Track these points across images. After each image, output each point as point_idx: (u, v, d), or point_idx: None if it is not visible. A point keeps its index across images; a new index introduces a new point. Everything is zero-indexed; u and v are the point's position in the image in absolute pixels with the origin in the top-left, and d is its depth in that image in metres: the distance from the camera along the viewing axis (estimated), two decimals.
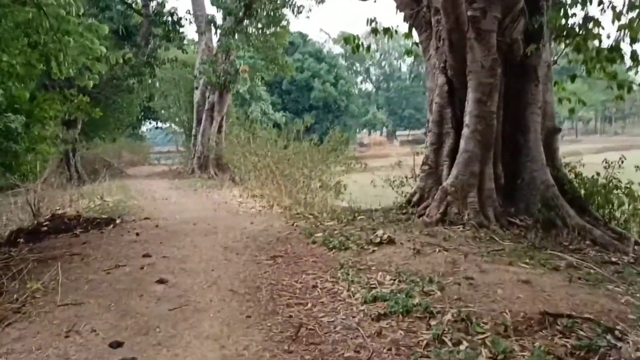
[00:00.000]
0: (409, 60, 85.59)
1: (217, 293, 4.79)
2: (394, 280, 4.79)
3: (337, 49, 75.58)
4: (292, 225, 7.84)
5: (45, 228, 8.07)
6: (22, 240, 7.72)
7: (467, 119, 7.32)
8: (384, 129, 79.21)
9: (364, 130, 75.48)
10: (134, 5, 25.52)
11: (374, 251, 5.87)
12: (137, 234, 7.56)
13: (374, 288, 4.57)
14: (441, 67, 7.82)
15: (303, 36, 58.79)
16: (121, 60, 8.39)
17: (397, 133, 79.25)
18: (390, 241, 5.99)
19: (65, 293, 4.84)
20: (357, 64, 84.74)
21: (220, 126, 22.19)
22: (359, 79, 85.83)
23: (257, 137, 16.89)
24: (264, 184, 14.79)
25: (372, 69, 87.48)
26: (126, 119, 29.78)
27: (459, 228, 6.77)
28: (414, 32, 8.93)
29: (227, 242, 6.93)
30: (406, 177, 9.55)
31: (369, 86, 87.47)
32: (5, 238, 7.92)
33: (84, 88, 7.93)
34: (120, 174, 26.89)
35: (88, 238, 7.47)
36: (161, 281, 5.26)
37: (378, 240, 6.03)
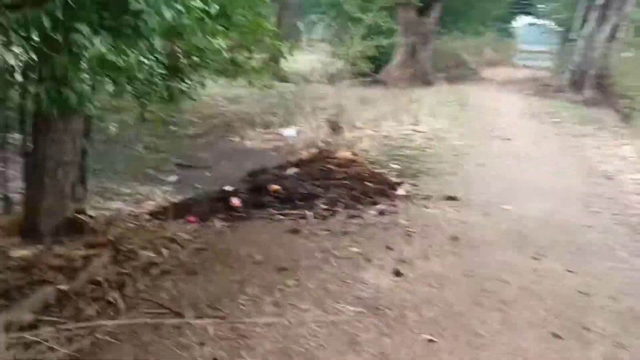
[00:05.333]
0: None
1: None
2: None
3: None
4: None
5: (278, 188, 5.19)
6: (235, 201, 5.02)
7: None
8: None
9: None
10: None
11: None
12: (397, 274, 3.70)
13: None
14: None
15: None
16: None
17: None
18: None
19: None
20: None
21: (614, 31, 15.74)
22: None
23: None
24: None
25: None
26: (493, 11, 25.84)
27: None
28: None
29: None
30: None
31: None
32: (216, 194, 5.34)
33: None
34: (472, 76, 23.27)
35: (318, 244, 4.16)
36: None
37: None
